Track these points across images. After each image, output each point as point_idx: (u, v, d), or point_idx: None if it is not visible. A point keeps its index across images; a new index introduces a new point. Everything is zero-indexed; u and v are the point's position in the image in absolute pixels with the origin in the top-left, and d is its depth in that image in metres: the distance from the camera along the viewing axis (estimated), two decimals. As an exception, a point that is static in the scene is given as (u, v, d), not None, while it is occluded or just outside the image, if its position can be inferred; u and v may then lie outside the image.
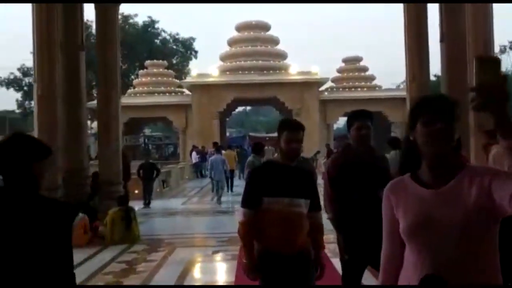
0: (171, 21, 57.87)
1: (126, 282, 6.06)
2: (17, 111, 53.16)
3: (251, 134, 55.57)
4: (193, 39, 53.36)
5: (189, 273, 6.47)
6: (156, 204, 14.06)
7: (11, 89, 49.72)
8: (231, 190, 16.33)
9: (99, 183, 10.56)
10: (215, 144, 21.62)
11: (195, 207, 13.67)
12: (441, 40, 11.19)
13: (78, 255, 7.45)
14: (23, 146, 1.90)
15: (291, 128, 3.09)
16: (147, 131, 53.82)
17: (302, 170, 3.23)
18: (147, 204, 13.57)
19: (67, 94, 10.30)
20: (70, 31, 10.50)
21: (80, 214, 8.42)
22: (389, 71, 64.38)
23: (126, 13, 50.36)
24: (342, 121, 50.50)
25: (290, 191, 3.02)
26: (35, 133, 9.59)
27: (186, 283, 6.02)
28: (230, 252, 7.60)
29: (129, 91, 39.31)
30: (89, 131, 35.66)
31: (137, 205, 13.32)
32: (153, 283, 6.03)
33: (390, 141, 8.39)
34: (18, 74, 48.09)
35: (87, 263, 7.13)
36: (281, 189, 3.00)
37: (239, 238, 3.14)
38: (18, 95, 49.96)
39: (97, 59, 10.67)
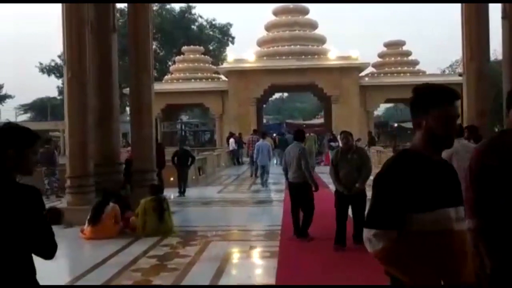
0: (207, 6, 57.33)
1: (156, 281, 5.53)
2: (58, 97, 54.26)
3: (287, 121, 54.80)
4: (230, 25, 52.84)
5: (225, 272, 5.88)
6: (191, 192, 13.60)
7: (52, 76, 50.73)
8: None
9: (132, 171, 10.15)
10: (255, 131, 21.40)
11: (231, 196, 13.12)
12: (503, 17, 10.11)
13: (107, 247, 7.04)
14: (13, 133, 2.15)
15: (450, 98, 1.98)
16: (184, 118, 53.93)
17: (448, 163, 2.20)
18: (182, 192, 13.13)
19: (99, 77, 9.88)
20: (101, 11, 10.04)
21: (111, 204, 7.96)
22: (433, 56, 61.94)
23: (163, -1, 50.31)
24: (382, 107, 49.04)
25: (452, 198, 1.98)
26: (65, 118, 9.25)
27: (221, 283, 5.44)
28: (269, 248, 6.99)
29: (166, 77, 39.24)
30: (127, 118, 35.87)
31: (172, 193, 12.99)
32: (184, 282, 5.47)
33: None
34: (59, 61, 48.89)
35: (116, 257, 6.66)
36: (441, 197, 1.94)
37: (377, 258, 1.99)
38: (59, 82, 50.88)
39: (129, 42, 10.16)
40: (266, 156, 14.72)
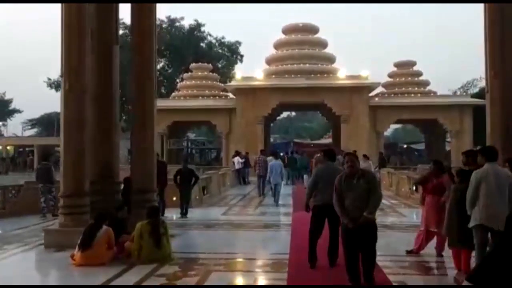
0: (216, 25, 57.34)
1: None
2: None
3: (295, 140, 54.21)
4: (239, 43, 52.81)
5: (226, 309, 5.17)
6: (194, 213, 12.91)
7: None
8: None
9: (130, 190, 9.49)
10: (262, 151, 20.96)
11: (236, 219, 12.36)
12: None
13: (97, 276, 6.18)
14: None
15: None
16: (191, 136, 53.46)
17: None
18: (184, 213, 12.43)
19: (98, 89, 9.32)
20: (103, 20, 9.53)
21: (104, 227, 7.29)
22: (444, 76, 61.26)
23: (172, 16, 50.45)
24: (391, 128, 48.33)
25: None
26: (61, 131, 8.67)
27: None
28: (275, 281, 6.26)
29: (173, 94, 38.90)
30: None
31: (174, 214, 12.30)
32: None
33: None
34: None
35: (105, 288, 5.97)
36: None
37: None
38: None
39: (132, 50, 9.61)
40: (279, 175, 15.62)
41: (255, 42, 69.24)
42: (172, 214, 12.26)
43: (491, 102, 9.18)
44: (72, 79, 8.51)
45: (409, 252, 7.72)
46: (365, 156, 19.44)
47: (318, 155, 10.88)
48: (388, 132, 52.57)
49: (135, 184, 9.35)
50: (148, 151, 9.34)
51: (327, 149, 7.52)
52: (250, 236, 9.89)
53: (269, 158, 18.82)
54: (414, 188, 16.57)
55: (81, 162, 8.56)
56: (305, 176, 20.47)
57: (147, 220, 7.36)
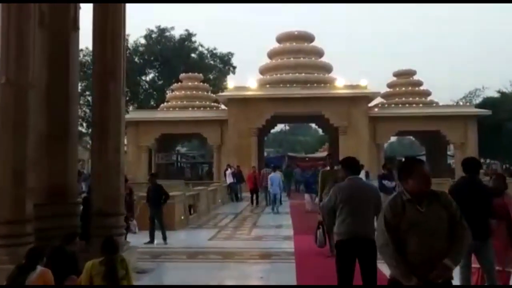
0: (208, 35, 55.74)
1: None
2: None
3: (289, 154, 52.30)
4: (231, 54, 51.17)
5: None
6: (176, 237, 10.90)
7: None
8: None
9: (91, 214, 7.49)
10: (266, 165, 22.70)
11: (226, 246, 10.26)
12: None
13: None
14: None
15: None
16: (181, 149, 51.37)
17: None
18: (160, 239, 10.33)
19: (50, 86, 7.37)
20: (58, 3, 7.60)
21: (38, 268, 5.26)
22: (445, 87, 59.71)
23: (162, 26, 48.77)
24: (392, 139, 46.55)
25: None
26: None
27: None
28: None
29: (161, 105, 36.97)
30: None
31: (155, 239, 10.31)
32: None
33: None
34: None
35: None
36: None
37: None
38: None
39: (93, 39, 7.67)
40: (277, 186, 17.11)
41: (248, 55, 67.71)
42: (156, 240, 10.25)
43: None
44: (11, 72, 6.56)
45: (458, 298, 5.77)
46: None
47: (327, 168, 8.75)
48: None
49: (95, 206, 7.36)
50: (110, 165, 7.34)
51: (346, 157, 5.37)
52: (243, 270, 7.82)
53: (268, 170, 20.12)
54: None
55: (22, 178, 6.55)
56: (306, 196, 17.10)
57: (100, 258, 5.35)
